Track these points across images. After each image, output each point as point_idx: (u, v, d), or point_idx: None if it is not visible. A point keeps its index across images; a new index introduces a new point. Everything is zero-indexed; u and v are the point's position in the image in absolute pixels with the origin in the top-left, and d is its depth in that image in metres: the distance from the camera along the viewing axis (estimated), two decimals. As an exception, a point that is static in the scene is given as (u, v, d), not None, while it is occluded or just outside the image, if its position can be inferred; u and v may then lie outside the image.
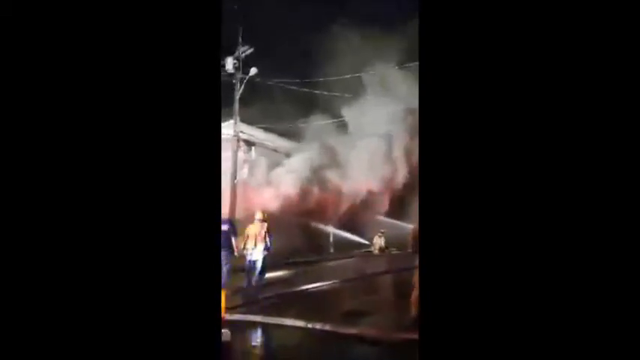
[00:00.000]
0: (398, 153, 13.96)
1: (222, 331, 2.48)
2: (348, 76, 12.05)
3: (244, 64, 10.86)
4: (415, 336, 3.84)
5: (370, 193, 14.23)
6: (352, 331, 4.25)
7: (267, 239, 6.60)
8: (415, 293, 4.42)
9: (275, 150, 13.01)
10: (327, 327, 4.41)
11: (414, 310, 4.38)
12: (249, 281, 6.51)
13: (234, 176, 10.39)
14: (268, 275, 7.04)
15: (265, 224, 6.68)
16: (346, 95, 12.39)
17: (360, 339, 4.08)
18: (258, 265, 6.51)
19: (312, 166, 13.05)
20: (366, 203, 14.17)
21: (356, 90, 12.78)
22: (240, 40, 10.77)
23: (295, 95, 11.96)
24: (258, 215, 6.78)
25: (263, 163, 12.37)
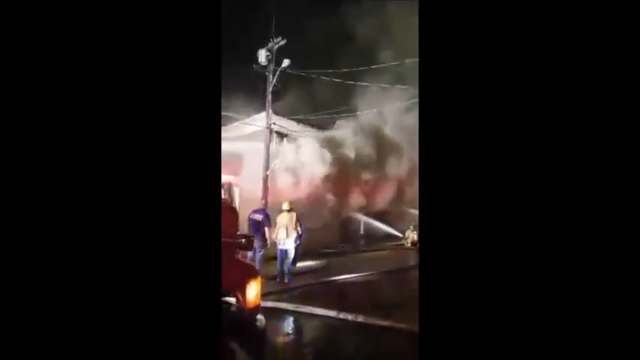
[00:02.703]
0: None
1: (258, 317, 2.53)
2: (383, 65, 11.83)
3: (277, 56, 10.93)
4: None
5: (403, 184, 14.04)
6: (383, 323, 4.23)
7: (299, 228, 6.66)
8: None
9: (308, 141, 13.07)
10: (359, 318, 4.41)
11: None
12: (281, 270, 6.62)
13: (266, 167, 10.54)
14: (300, 265, 7.12)
15: (294, 214, 6.75)
16: (383, 85, 12.17)
17: (391, 331, 4.05)
18: (290, 254, 6.60)
19: (346, 156, 13.00)
20: (398, 195, 14.00)
21: (393, 80, 12.53)
22: (272, 31, 10.84)
23: (329, 86, 11.92)
24: (285, 205, 6.85)
25: (296, 153, 12.47)
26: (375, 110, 13.03)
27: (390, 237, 14.37)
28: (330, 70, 11.58)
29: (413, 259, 9.91)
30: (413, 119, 12.77)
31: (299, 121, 12.93)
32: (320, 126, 13.38)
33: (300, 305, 4.97)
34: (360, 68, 11.88)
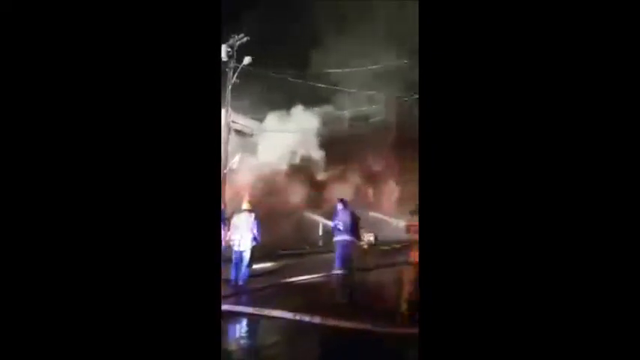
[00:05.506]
0: (390, 148, 14.01)
1: None
2: (347, 70, 11.97)
3: (239, 53, 10.69)
4: (402, 330, 3.85)
5: (359, 187, 14.25)
6: (340, 323, 4.22)
7: (255, 230, 6.52)
8: (405, 289, 4.42)
9: (269, 140, 12.90)
10: (316, 319, 4.38)
11: (403, 306, 4.38)
12: (237, 272, 6.43)
13: (224, 166, 10.25)
14: (256, 266, 6.97)
15: (253, 214, 6.60)
16: (351, 90, 12.29)
17: (347, 332, 4.05)
18: (246, 255, 6.43)
19: (304, 157, 12.97)
20: (361, 197, 14.20)
21: (360, 84, 12.70)
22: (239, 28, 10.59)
23: (291, 86, 11.85)
24: (245, 205, 6.68)
25: (254, 152, 12.25)
26: (340, 112, 13.14)
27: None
28: (295, 72, 11.53)
29: (370, 261, 10.05)
30: (379, 124, 13.07)
31: (259, 119, 12.73)
32: (279, 125, 13.26)
33: (256, 308, 4.85)
34: (329, 71, 11.93)
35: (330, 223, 6.61)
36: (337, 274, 6.24)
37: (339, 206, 6.45)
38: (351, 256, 6.33)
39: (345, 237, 6.18)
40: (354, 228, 6.34)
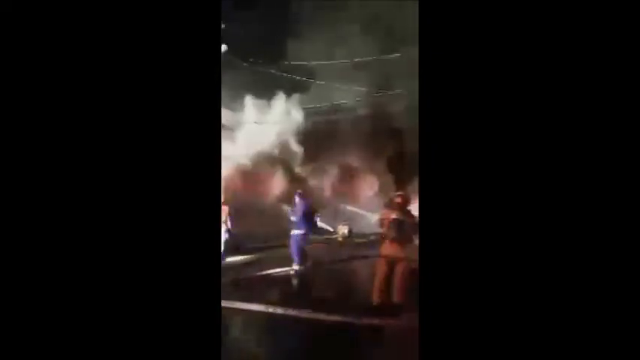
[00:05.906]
0: (369, 142, 14.10)
1: None
2: (315, 62, 11.87)
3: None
4: (376, 322, 3.90)
5: (337, 180, 14.28)
6: (314, 316, 4.24)
7: (229, 222, 6.44)
8: (377, 281, 4.48)
9: (243, 130, 12.71)
10: (289, 312, 4.38)
11: (375, 297, 4.44)
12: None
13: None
14: (229, 259, 6.90)
15: (226, 207, 6.51)
16: (330, 83, 12.17)
17: (322, 324, 4.06)
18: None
19: (282, 149, 12.88)
20: (330, 190, 14.23)
21: (341, 77, 12.62)
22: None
23: (270, 78, 11.67)
24: (219, 197, 6.58)
25: (229, 143, 12.05)
26: (325, 105, 13.08)
27: (322, 231, 14.54)
28: (274, 62, 11.34)
29: (344, 253, 10.12)
30: (358, 118, 13.08)
31: (236, 110, 12.51)
32: (257, 115, 13.09)
33: (229, 300, 4.80)
34: (308, 63, 11.80)
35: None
36: (295, 271, 6.34)
37: (297, 199, 6.50)
38: (305, 249, 6.44)
39: (299, 231, 6.28)
40: (309, 221, 6.45)
